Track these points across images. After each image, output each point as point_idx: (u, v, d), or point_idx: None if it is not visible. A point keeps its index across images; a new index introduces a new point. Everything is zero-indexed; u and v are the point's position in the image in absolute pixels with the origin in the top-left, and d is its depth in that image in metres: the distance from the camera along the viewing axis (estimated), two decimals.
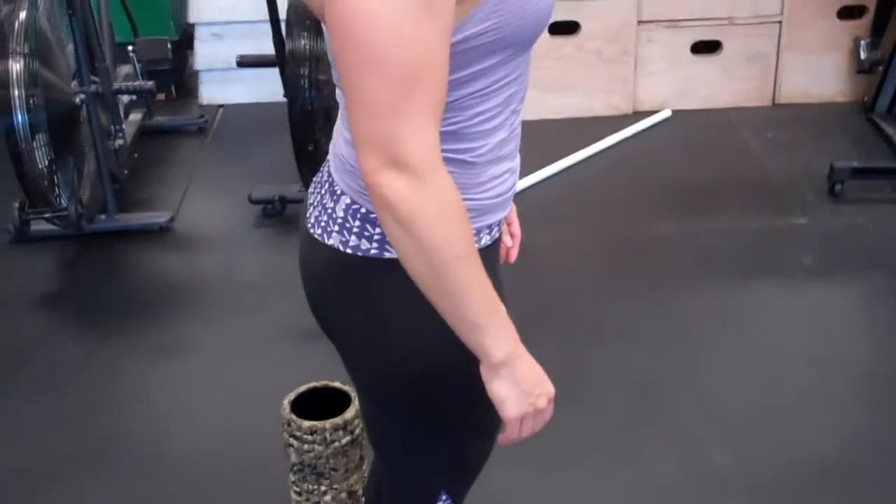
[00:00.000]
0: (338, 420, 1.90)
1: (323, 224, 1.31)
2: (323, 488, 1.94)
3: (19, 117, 2.87)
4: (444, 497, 1.46)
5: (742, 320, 2.92)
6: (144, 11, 4.15)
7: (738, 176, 3.69)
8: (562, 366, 2.70)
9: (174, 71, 4.51)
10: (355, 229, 1.27)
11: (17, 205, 2.99)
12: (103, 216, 3.41)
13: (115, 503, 2.33)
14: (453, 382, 1.32)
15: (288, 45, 3.02)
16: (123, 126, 3.57)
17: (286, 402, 1.95)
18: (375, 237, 1.26)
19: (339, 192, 1.29)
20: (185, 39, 4.51)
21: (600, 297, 3.04)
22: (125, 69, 3.84)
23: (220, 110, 4.40)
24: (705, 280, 3.11)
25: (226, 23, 4.32)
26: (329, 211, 1.30)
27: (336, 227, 1.29)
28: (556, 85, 4.09)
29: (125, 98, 3.69)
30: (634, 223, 3.43)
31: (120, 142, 3.49)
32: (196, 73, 4.47)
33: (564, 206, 3.55)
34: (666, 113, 4.14)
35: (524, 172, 3.67)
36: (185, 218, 3.53)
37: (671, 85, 4.16)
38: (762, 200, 3.53)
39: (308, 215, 1.35)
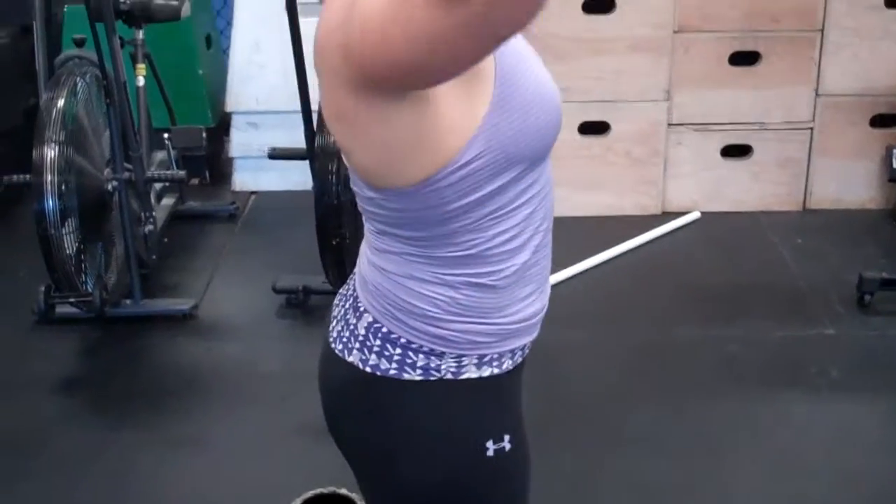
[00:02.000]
0: None
1: (344, 340, 1.30)
2: None
3: (50, 203, 2.91)
4: None
5: (767, 432, 2.87)
6: (183, 99, 4.24)
7: (766, 282, 3.66)
8: (577, 471, 2.67)
9: (209, 157, 4.57)
10: (375, 348, 1.26)
11: (43, 288, 3.01)
12: (128, 301, 3.43)
13: None
14: None
15: (318, 140, 3.05)
16: (154, 212, 3.60)
17: None
18: (395, 358, 1.25)
19: (362, 309, 1.29)
20: (221, 126, 4.59)
21: (621, 402, 2.99)
22: (160, 155, 3.90)
23: (252, 197, 4.44)
24: (729, 388, 3.06)
25: (262, 112, 4.38)
26: (351, 327, 1.30)
27: (357, 345, 1.28)
28: (584, 183, 4.10)
29: (158, 185, 3.73)
30: (659, 326, 3.39)
31: (150, 227, 3.52)
32: (231, 159, 4.53)
33: (589, 306, 3.52)
34: (695, 215, 4.13)
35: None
36: (209, 305, 3.54)
37: (700, 187, 4.16)
38: (790, 308, 3.48)
39: (331, 329, 1.35)
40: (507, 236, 1.21)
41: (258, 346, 3.29)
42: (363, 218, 1.28)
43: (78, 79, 3.12)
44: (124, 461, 2.77)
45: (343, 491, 1.96)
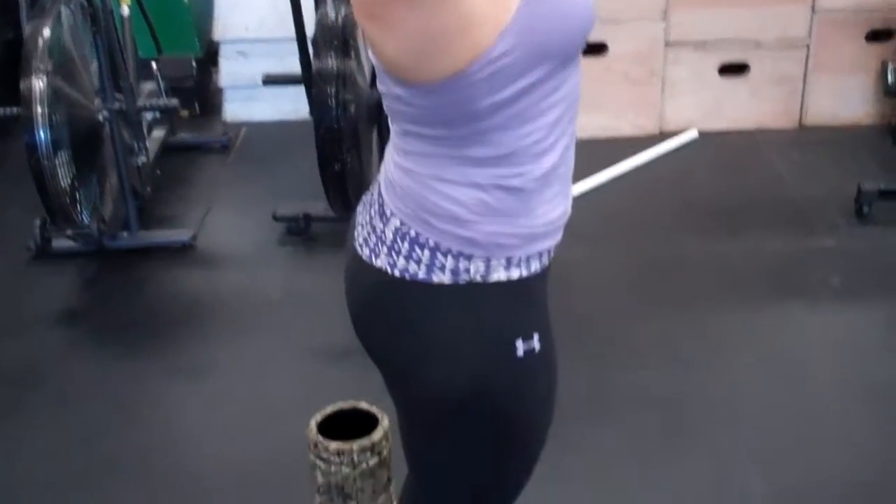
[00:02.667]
0: (365, 441, 1.86)
1: (371, 245, 1.28)
2: None
3: (41, 135, 2.85)
4: None
5: (771, 340, 2.88)
6: (169, 28, 4.15)
7: (765, 196, 3.65)
8: (589, 386, 2.67)
9: (198, 88, 4.49)
10: (403, 252, 1.24)
11: (38, 222, 2.97)
12: (125, 233, 3.39)
13: None
14: (496, 412, 1.29)
15: (315, 65, 3.00)
16: (147, 143, 3.55)
17: (313, 424, 1.92)
18: (423, 261, 1.23)
19: (388, 213, 1.27)
20: (209, 56, 4.50)
21: (627, 318, 2.99)
22: (148, 86, 3.83)
23: (244, 128, 4.38)
24: (734, 300, 3.06)
25: (251, 41, 4.30)
26: (378, 232, 1.27)
27: (384, 249, 1.26)
28: (582, 105, 3.98)
29: (148, 115, 3.67)
30: (661, 243, 3.38)
31: (143, 159, 3.47)
32: (220, 90, 4.46)
33: (590, 226, 3.50)
34: (692, 134, 4.10)
35: None
36: (208, 235, 3.51)
37: (698, 106, 4.13)
38: (789, 222, 3.48)
39: (356, 235, 1.33)
40: (536, 137, 1.19)
41: (260, 274, 3.26)
42: (389, 119, 1.25)
43: (62, 7, 3.04)
44: (127, 391, 2.75)
45: (363, 405, 1.95)
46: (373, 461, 1.87)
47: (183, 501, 2.35)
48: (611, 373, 2.74)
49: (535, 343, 1.28)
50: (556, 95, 1.18)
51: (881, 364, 2.77)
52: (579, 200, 3.66)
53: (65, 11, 3.08)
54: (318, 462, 1.88)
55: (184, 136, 4.19)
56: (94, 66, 3.29)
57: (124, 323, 3.08)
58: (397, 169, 1.26)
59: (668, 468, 2.40)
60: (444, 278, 1.23)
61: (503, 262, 1.24)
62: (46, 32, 2.91)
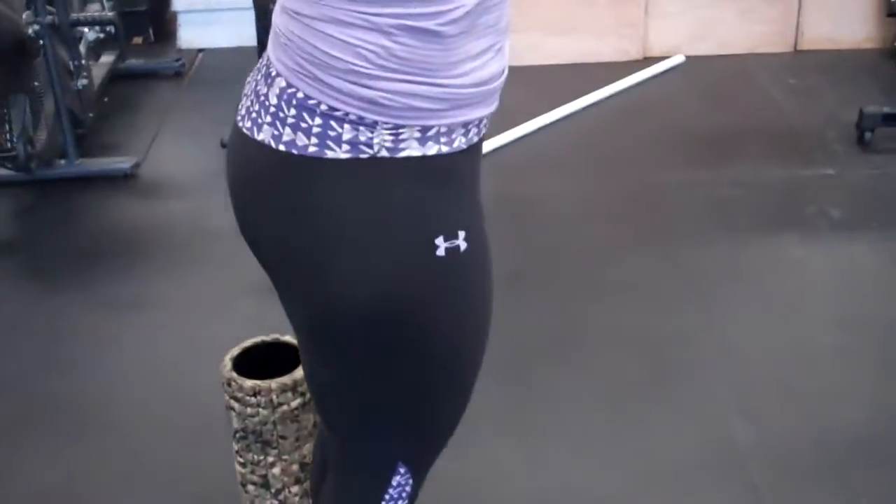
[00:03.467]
0: (285, 379, 1.61)
1: (254, 115, 1.02)
2: (270, 459, 1.65)
3: None
4: (401, 470, 1.18)
5: (763, 277, 2.63)
6: None
7: (758, 124, 3.38)
8: (558, 326, 2.43)
9: (152, 13, 4.22)
10: (290, 120, 0.98)
11: None
12: (62, 161, 3.12)
13: (46, 471, 2.05)
14: (412, 326, 1.03)
15: None
16: (88, 64, 3.27)
17: (227, 359, 1.66)
18: (314, 130, 0.97)
19: (273, 73, 1.01)
20: None
21: (604, 251, 2.74)
22: (94, 7, 3.54)
23: (200, 55, 4.11)
24: (721, 233, 2.81)
25: None
26: (262, 98, 1.02)
27: (268, 119, 1.00)
28: (558, 27, 3.77)
29: (91, 36, 3.38)
30: (643, 173, 3.12)
31: (83, 82, 3.19)
32: (175, 15, 4.17)
33: (566, 155, 3.24)
34: (679, 58, 3.83)
35: (520, 117, 3.44)
36: (153, 164, 3.25)
37: (684, 28, 3.86)
38: (784, 150, 3.22)
39: (239, 107, 1.06)
40: None
41: (205, 204, 2.99)
42: None
43: None
44: (58, 326, 2.51)
45: (287, 338, 1.69)
46: (295, 402, 1.61)
47: (95, 448, 2.10)
48: (583, 311, 2.49)
49: (461, 241, 1.02)
50: None
51: (882, 301, 2.52)
52: (552, 128, 3.44)
53: None
54: (233, 403, 1.62)
55: (134, 62, 3.92)
56: None
57: (57, 256, 2.82)
58: (283, 13, 0.99)
59: (646, 416, 2.15)
60: (339, 152, 0.97)
61: (416, 132, 0.98)
62: None
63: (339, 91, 0.95)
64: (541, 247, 2.77)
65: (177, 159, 3.30)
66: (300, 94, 0.98)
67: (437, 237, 1.01)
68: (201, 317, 2.52)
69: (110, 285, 2.67)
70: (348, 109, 0.96)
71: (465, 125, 1.01)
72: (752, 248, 2.74)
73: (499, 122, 3.29)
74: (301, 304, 1.08)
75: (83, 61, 3.13)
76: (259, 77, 1.04)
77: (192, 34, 4.14)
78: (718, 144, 3.27)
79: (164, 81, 3.87)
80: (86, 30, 3.34)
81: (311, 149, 0.97)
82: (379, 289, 1.01)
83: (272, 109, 1.00)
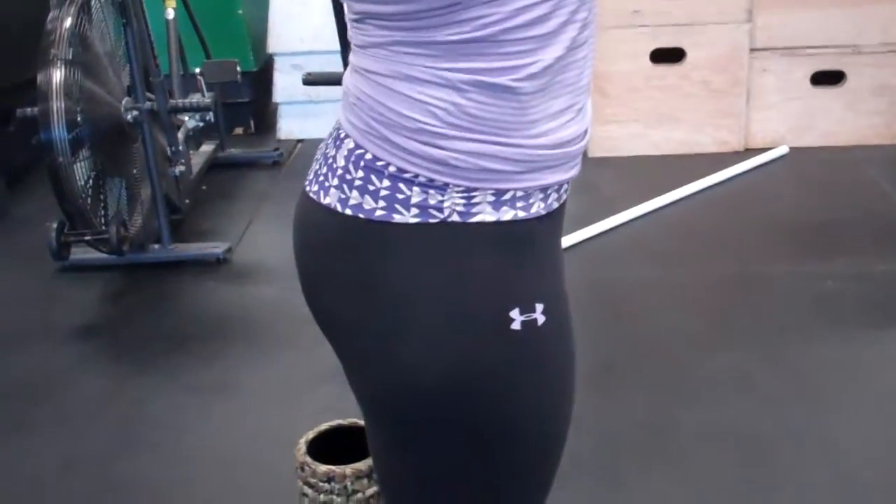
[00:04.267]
0: (360, 465, 1.54)
1: (321, 179, 0.98)
2: None
3: (58, 131, 2.63)
4: None
5: (872, 375, 2.47)
6: (222, 41, 3.96)
7: (865, 216, 3.24)
8: (650, 420, 2.31)
9: (253, 104, 4.31)
10: (357, 182, 0.93)
11: (55, 224, 2.74)
12: (157, 245, 3.15)
13: None
14: (493, 399, 0.96)
15: None
16: (186, 151, 3.32)
17: (302, 443, 1.61)
18: (382, 193, 0.92)
19: (342, 135, 0.96)
20: (265, 73, 4.29)
21: (701, 343, 2.62)
22: (195, 98, 3.62)
23: (299, 145, 4.15)
24: (828, 328, 2.66)
25: (306, 53, 4.08)
26: (329, 161, 0.97)
27: (335, 181, 0.95)
28: (658, 118, 3.72)
29: (191, 124, 3.44)
30: (744, 264, 3.00)
31: (181, 168, 3.24)
32: (276, 107, 4.24)
33: (664, 244, 3.15)
34: (782, 150, 3.72)
35: (618, 205, 3.37)
36: (245, 250, 3.25)
37: (788, 119, 3.75)
38: (893, 242, 3.07)
39: (308, 172, 1.02)
40: (531, 15, 0.86)
41: (294, 291, 2.89)
42: (346, 8, 0.95)
43: None
44: (138, 408, 2.49)
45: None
46: (370, 490, 1.54)
47: None
48: (678, 406, 2.37)
49: (538, 314, 0.95)
50: None
51: None
52: (651, 217, 3.35)
53: (94, 2, 2.87)
54: (307, 489, 1.56)
55: (234, 151, 3.99)
56: (128, 68, 3.07)
57: (145, 338, 2.82)
58: (352, 73, 0.95)
59: None
60: (408, 216, 0.91)
61: (490, 195, 0.91)
62: (68, 21, 2.69)
63: (408, 151, 0.90)
64: (635, 337, 2.66)
65: (268, 246, 3.30)
66: (368, 156, 0.92)
67: (512, 309, 0.93)
68: (282, 402, 2.47)
69: (194, 369, 2.65)
70: (417, 171, 0.90)
71: (544, 190, 0.95)
72: (860, 344, 2.59)
73: (596, 210, 3.23)
74: (367, 378, 1.01)
75: (181, 148, 3.17)
76: (329, 140, 1.00)
77: (292, 125, 4.20)
78: (824, 236, 3.14)
79: (262, 170, 3.92)
80: (186, 118, 3.40)
81: (379, 212, 0.92)
82: (449, 363, 0.94)
83: (339, 172, 0.95)
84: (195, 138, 3.70)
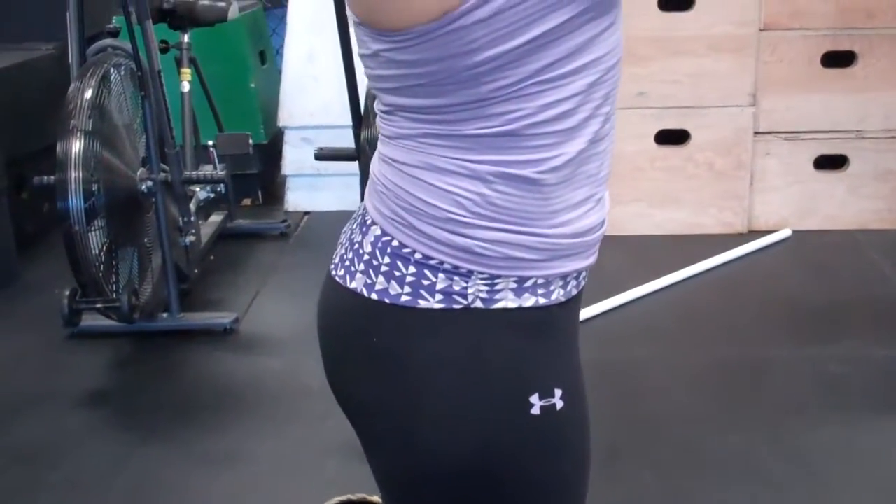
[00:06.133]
0: None
1: (347, 264, 1.01)
2: None
3: (74, 200, 2.68)
4: None
5: (874, 461, 2.47)
6: (234, 114, 4.04)
7: (868, 300, 3.27)
8: (658, 501, 2.31)
9: (262, 176, 4.37)
10: (384, 268, 0.97)
11: (67, 291, 2.77)
12: (165, 315, 3.18)
13: None
14: (512, 483, 0.99)
15: (364, 134, 2.79)
16: (197, 222, 3.37)
17: None
18: (408, 279, 0.95)
19: (369, 222, 1.00)
20: (275, 145, 4.36)
21: (705, 426, 2.63)
22: (208, 169, 3.67)
23: (306, 217, 4.20)
24: (830, 412, 2.67)
25: (316, 127, 4.15)
26: (356, 246, 1.01)
27: (361, 267, 0.99)
28: (662, 198, 3.77)
29: (202, 195, 3.49)
30: (746, 346, 3.02)
31: (191, 238, 3.28)
32: (284, 178, 4.30)
33: (669, 324, 3.17)
34: (785, 233, 3.76)
35: (621, 285, 3.40)
36: (252, 321, 3.28)
37: (791, 202, 3.80)
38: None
39: (333, 256, 1.06)
40: (556, 111, 0.91)
41: (301, 363, 2.99)
42: (374, 101, 0.99)
43: (112, 69, 2.91)
44: (147, 477, 2.49)
45: (375, 498, 1.64)
46: None
47: None
48: (684, 489, 2.37)
49: (557, 399, 0.98)
50: (587, 55, 0.90)
51: None
52: (654, 297, 3.38)
53: (114, 75, 2.94)
54: None
55: (242, 222, 4.03)
56: (144, 139, 3.14)
57: (152, 406, 2.83)
58: (381, 162, 0.99)
59: None
60: (432, 302, 0.95)
61: (513, 282, 0.95)
62: (88, 93, 2.76)
63: (435, 239, 0.94)
64: (639, 418, 2.67)
65: (275, 317, 3.33)
66: (395, 243, 0.96)
67: (531, 395, 0.96)
68: (289, 475, 2.48)
69: (201, 439, 2.65)
70: (443, 258, 0.94)
71: (564, 277, 0.98)
72: (862, 429, 2.59)
73: (599, 289, 3.26)
74: (387, 460, 1.03)
75: (192, 218, 3.22)
76: (354, 226, 1.04)
77: (299, 197, 4.25)
78: (826, 320, 3.16)
79: (269, 241, 3.96)
80: (197, 189, 3.45)
81: (404, 298, 0.95)
82: (469, 447, 0.96)
83: (366, 258, 0.98)
84: (204, 209, 3.75)
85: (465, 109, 0.90)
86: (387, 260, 0.96)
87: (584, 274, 1.02)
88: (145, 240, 3.13)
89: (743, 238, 3.74)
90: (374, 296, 0.97)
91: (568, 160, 0.93)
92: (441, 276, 0.94)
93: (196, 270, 3.40)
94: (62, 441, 2.67)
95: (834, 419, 2.64)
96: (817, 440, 2.55)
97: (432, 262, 0.94)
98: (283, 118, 4.19)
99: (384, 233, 0.97)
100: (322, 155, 3.11)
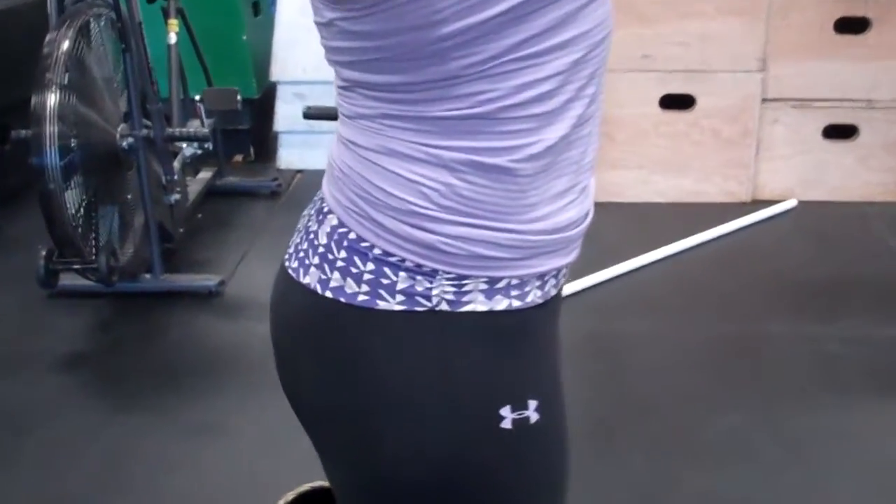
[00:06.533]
0: None
1: (301, 255, 0.91)
2: None
3: (50, 157, 2.57)
4: None
5: (873, 444, 2.39)
6: (226, 67, 3.92)
7: (873, 276, 3.17)
8: (649, 483, 2.23)
9: (253, 132, 4.25)
10: (339, 263, 0.86)
11: (43, 251, 2.67)
12: (147, 275, 3.08)
13: None
14: (480, 498, 0.89)
15: None
16: (183, 180, 3.26)
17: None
18: (366, 277, 0.85)
19: (325, 209, 0.90)
20: (267, 99, 4.24)
21: (700, 405, 2.54)
22: (193, 126, 3.56)
23: (298, 175, 4.09)
24: (828, 393, 2.58)
25: (309, 82, 4.02)
26: (311, 236, 0.90)
27: (316, 260, 0.88)
28: (665, 165, 3.65)
29: (188, 151, 3.38)
30: (746, 321, 2.93)
31: (176, 197, 3.17)
32: (276, 135, 4.18)
33: (665, 297, 3.07)
34: (790, 203, 3.65)
35: (619, 255, 3.30)
36: (239, 283, 3.18)
37: (797, 172, 3.69)
38: None
39: (288, 244, 0.95)
40: (534, 92, 0.80)
41: None
42: (335, 76, 0.89)
43: (91, 20, 2.78)
44: (126, 446, 2.41)
45: None
46: None
47: None
48: (677, 470, 2.29)
49: (531, 411, 0.88)
50: (571, 29, 0.79)
51: None
52: (652, 268, 3.28)
53: (93, 26, 2.82)
54: None
55: (231, 179, 3.92)
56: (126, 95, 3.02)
57: (132, 372, 2.75)
58: (339, 144, 0.89)
59: None
60: (392, 303, 0.84)
61: (483, 283, 0.85)
62: (65, 45, 2.64)
63: (395, 234, 0.83)
64: (633, 394, 2.59)
65: (263, 280, 3.18)
66: (352, 235, 0.86)
67: (502, 407, 0.87)
68: (271, 446, 2.39)
69: (180, 407, 2.57)
70: (404, 255, 0.84)
71: (541, 276, 0.88)
72: (864, 412, 2.51)
73: (596, 259, 3.16)
74: (345, 471, 0.94)
75: (176, 177, 3.11)
76: (311, 212, 0.93)
77: (292, 155, 4.14)
78: (829, 296, 3.06)
79: (259, 200, 3.85)
80: (184, 145, 3.34)
81: (361, 297, 0.85)
82: (433, 460, 0.87)
83: (321, 250, 0.88)
84: (193, 165, 3.64)
85: (430, 89, 0.79)
86: (343, 254, 0.86)
87: (563, 271, 0.92)
88: (127, 198, 3.02)
89: (747, 207, 3.63)
90: (328, 293, 0.87)
91: (547, 147, 0.82)
92: (402, 274, 0.84)
93: (181, 230, 3.30)
94: (37, 406, 2.59)
95: (832, 401, 2.55)
96: (814, 422, 2.46)
97: (393, 259, 0.84)
98: (276, 72, 4.06)
99: (341, 223, 0.87)
100: (311, 114, 2.97)
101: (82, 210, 2.73)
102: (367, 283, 0.85)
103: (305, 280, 0.89)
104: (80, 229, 2.71)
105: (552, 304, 0.92)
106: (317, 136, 4.03)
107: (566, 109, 0.82)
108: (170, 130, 3.00)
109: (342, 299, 0.86)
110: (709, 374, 2.69)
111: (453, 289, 0.84)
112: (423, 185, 0.82)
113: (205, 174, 3.79)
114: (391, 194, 0.83)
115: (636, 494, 2.21)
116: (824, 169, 3.67)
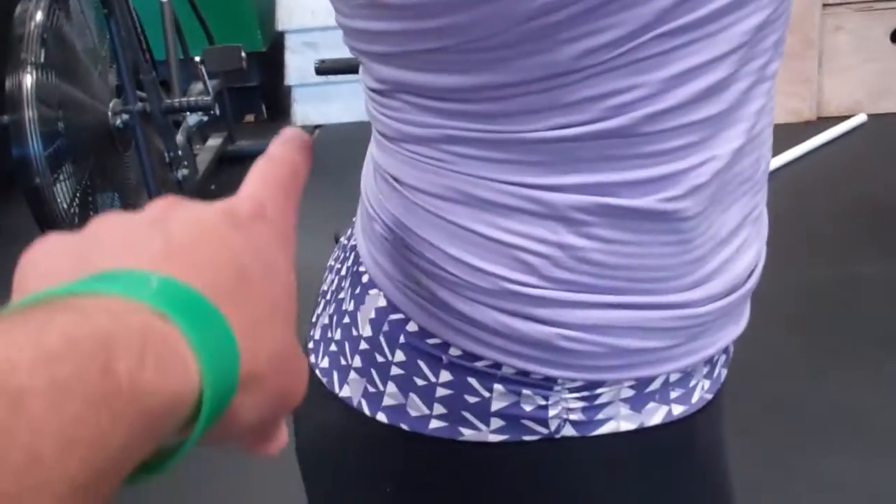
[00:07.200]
0: None
1: (333, 349, 0.59)
2: None
3: (33, 146, 2.26)
4: None
5: None
6: (226, 18, 3.57)
7: None
8: (754, 465, 1.94)
9: (263, 88, 3.92)
10: (395, 370, 0.56)
11: None
12: None
13: None
14: None
15: None
16: (190, 152, 2.95)
17: None
18: (439, 393, 0.55)
19: (364, 279, 0.58)
20: (275, 51, 3.90)
21: (799, 368, 2.23)
22: (194, 93, 3.23)
23: (317, 131, 3.76)
24: None
25: (320, 29, 3.68)
26: (345, 320, 0.59)
27: (357, 362, 0.58)
28: None
29: (193, 119, 3.06)
30: (830, 264, 2.60)
31: (183, 172, 2.86)
32: (289, 89, 3.85)
33: None
34: (860, 118, 3.30)
35: None
36: None
37: (865, 83, 3.34)
38: None
39: (312, 319, 0.64)
40: (700, 84, 0.48)
41: (308, 303, 2.60)
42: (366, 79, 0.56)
43: None
44: None
45: None
46: None
47: None
48: (784, 450, 1.99)
49: None
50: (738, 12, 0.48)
51: None
52: None
53: None
54: None
55: (244, 143, 3.60)
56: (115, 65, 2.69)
57: None
58: (377, 178, 0.57)
59: None
60: (486, 432, 0.53)
61: (628, 388, 0.53)
62: (39, 16, 2.31)
63: (483, 326, 0.52)
64: None
65: None
66: (411, 327, 0.54)
67: None
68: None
69: None
70: (500, 358, 0.52)
71: (711, 363, 0.56)
72: None
73: None
74: None
75: (181, 152, 2.79)
76: (343, 272, 0.61)
77: (308, 109, 3.81)
78: None
79: None
80: (187, 113, 3.02)
81: (435, 424, 0.54)
82: None
83: (363, 346, 0.56)
84: (200, 132, 3.33)
85: (527, 94, 0.46)
86: (401, 356, 0.55)
87: (731, 349, 0.60)
88: (129, 180, 2.71)
89: (812, 126, 3.29)
90: (381, 416, 0.56)
91: (716, 171, 0.50)
92: (499, 387, 0.53)
93: None
94: None
95: None
96: None
97: (481, 365, 0.53)
98: (283, 20, 3.73)
99: (391, 305, 0.55)
100: (324, 69, 2.64)
101: (76, 201, 2.42)
102: (443, 401, 0.53)
103: (343, 393, 0.58)
104: (76, 222, 2.41)
105: (720, 399, 0.60)
106: (334, 87, 3.70)
107: (743, 105, 0.51)
108: (168, 101, 2.68)
109: (404, 426, 0.54)
110: (801, 331, 2.37)
111: (582, 403, 0.53)
112: (525, 249, 0.49)
113: (214, 140, 3.47)
114: (472, 267, 0.51)
115: (743, 480, 1.91)
116: (894, 77, 3.32)
